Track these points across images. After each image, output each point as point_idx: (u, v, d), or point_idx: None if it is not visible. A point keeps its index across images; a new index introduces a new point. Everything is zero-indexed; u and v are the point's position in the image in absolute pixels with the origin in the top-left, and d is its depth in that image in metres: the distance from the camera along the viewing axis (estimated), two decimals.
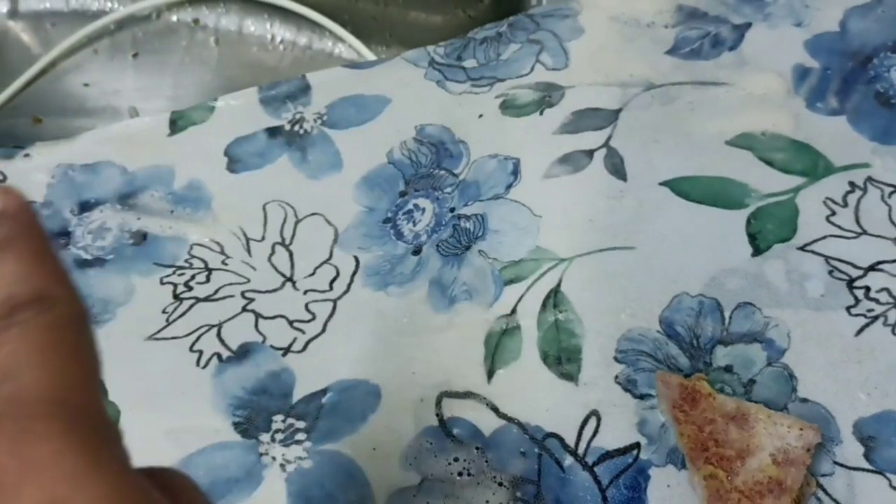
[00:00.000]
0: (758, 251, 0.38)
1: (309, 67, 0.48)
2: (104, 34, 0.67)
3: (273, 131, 0.45)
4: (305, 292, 0.39)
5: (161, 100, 0.65)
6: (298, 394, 0.36)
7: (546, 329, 0.36)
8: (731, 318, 0.36)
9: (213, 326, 0.38)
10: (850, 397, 0.34)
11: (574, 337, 0.36)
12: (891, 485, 0.32)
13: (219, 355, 0.37)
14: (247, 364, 0.37)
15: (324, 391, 0.36)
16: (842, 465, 0.33)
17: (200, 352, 0.37)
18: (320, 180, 0.43)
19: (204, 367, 0.37)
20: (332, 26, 0.65)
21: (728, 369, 0.35)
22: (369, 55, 0.60)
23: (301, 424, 0.35)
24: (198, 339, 0.38)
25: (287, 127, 0.45)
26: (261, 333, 0.38)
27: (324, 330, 0.38)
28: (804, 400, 0.34)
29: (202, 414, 0.35)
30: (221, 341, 0.38)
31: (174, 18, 0.69)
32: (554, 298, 0.37)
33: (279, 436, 0.35)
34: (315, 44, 0.69)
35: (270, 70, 0.68)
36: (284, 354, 0.37)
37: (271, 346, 0.37)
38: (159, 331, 0.38)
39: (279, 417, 0.35)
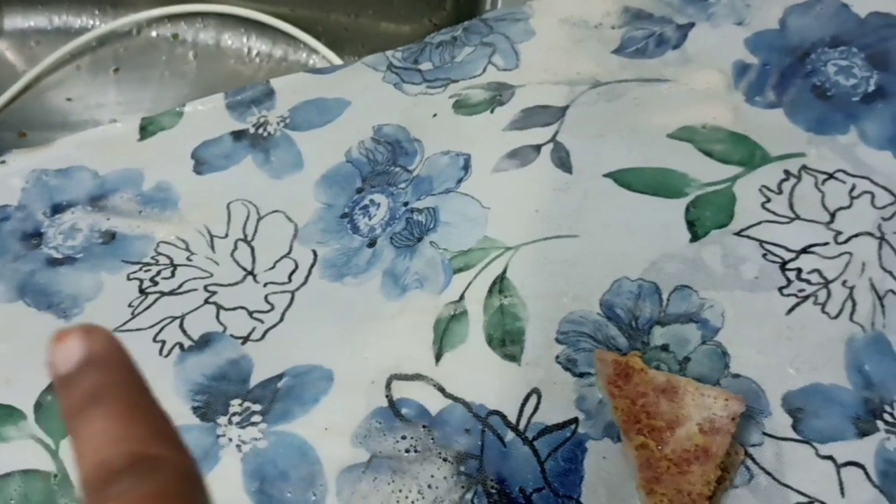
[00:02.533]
0: (696, 237, 0.39)
1: None
2: (86, 50, 0.69)
3: (238, 134, 0.47)
4: (265, 285, 0.41)
5: (142, 113, 0.67)
6: (256, 379, 0.38)
7: (492, 313, 0.38)
8: (668, 300, 0.38)
9: (175, 318, 0.40)
10: (780, 372, 0.36)
11: (518, 320, 0.37)
12: (817, 453, 0.34)
13: (181, 345, 0.39)
14: (207, 352, 0.39)
15: (280, 376, 0.37)
16: (770, 436, 0.34)
17: (163, 342, 0.39)
18: (282, 179, 0.45)
19: (166, 356, 0.39)
20: (307, 38, 0.67)
21: (664, 348, 0.36)
22: None
23: (257, 407, 0.37)
24: (161, 330, 0.39)
25: (252, 130, 0.47)
26: (221, 324, 0.40)
27: (282, 319, 0.40)
28: (736, 375, 0.36)
29: (163, 400, 0.37)
30: (184, 332, 0.39)
31: (154, 34, 0.71)
32: (500, 284, 0.38)
33: (236, 418, 0.36)
34: (290, 55, 0.71)
35: (248, 81, 0.69)
36: (243, 343, 0.39)
37: (231, 336, 0.39)
38: (124, 323, 0.40)
39: (236, 401, 0.37)
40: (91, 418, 0.15)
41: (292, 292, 0.41)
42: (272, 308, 0.40)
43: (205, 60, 0.71)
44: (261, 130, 0.47)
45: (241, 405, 0.37)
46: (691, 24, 0.47)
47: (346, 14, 0.69)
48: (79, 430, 0.15)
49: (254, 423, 0.36)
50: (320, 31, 0.68)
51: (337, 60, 0.65)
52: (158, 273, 0.42)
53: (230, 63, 0.72)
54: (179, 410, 0.37)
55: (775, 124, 0.43)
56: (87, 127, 0.66)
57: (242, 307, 0.40)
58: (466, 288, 0.39)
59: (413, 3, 0.65)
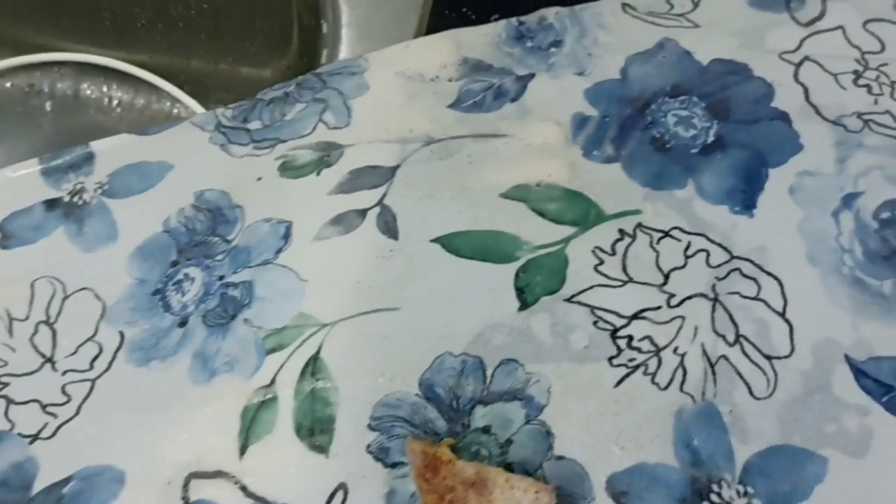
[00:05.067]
0: (525, 305, 0.37)
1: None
2: None
3: (51, 203, 0.43)
4: (64, 373, 0.37)
5: None
6: (39, 485, 0.34)
7: (302, 399, 0.35)
8: (493, 375, 0.35)
9: None
10: (605, 452, 0.33)
11: (329, 406, 0.35)
12: None
13: None
14: None
15: (67, 480, 0.34)
16: None
17: None
18: (95, 253, 0.42)
19: None
20: (169, 87, 0.64)
21: (486, 430, 0.34)
22: None
23: None
24: None
25: (66, 198, 0.44)
26: (10, 421, 0.36)
27: (77, 412, 0.36)
28: (560, 457, 0.33)
29: None
30: None
31: (8, 84, 0.68)
32: (313, 366, 0.36)
33: None
34: (153, 104, 0.68)
35: (108, 133, 0.66)
36: (32, 442, 0.35)
37: (19, 434, 0.36)
38: None
39: None
40: None
41: (93, 380, 0.37)
42: (69, 400, 0.37)
43: (62, 111, 0.68)
44: (76, 198, 0.43)
45: None
46: (531, 75, 0.45)
47: (206, 61, 0.66)
48: None
49: None
50: (183, 80, 0.65)
51: (200, 109, 0.62)
52: None
53: (90, 113, 0.68)
54: None
55: (612, 180, 0.41)
56: None
57: (36, 400, 0.37)
58: (279, 370, 0.36)
59: (265, 49, 0.62)
